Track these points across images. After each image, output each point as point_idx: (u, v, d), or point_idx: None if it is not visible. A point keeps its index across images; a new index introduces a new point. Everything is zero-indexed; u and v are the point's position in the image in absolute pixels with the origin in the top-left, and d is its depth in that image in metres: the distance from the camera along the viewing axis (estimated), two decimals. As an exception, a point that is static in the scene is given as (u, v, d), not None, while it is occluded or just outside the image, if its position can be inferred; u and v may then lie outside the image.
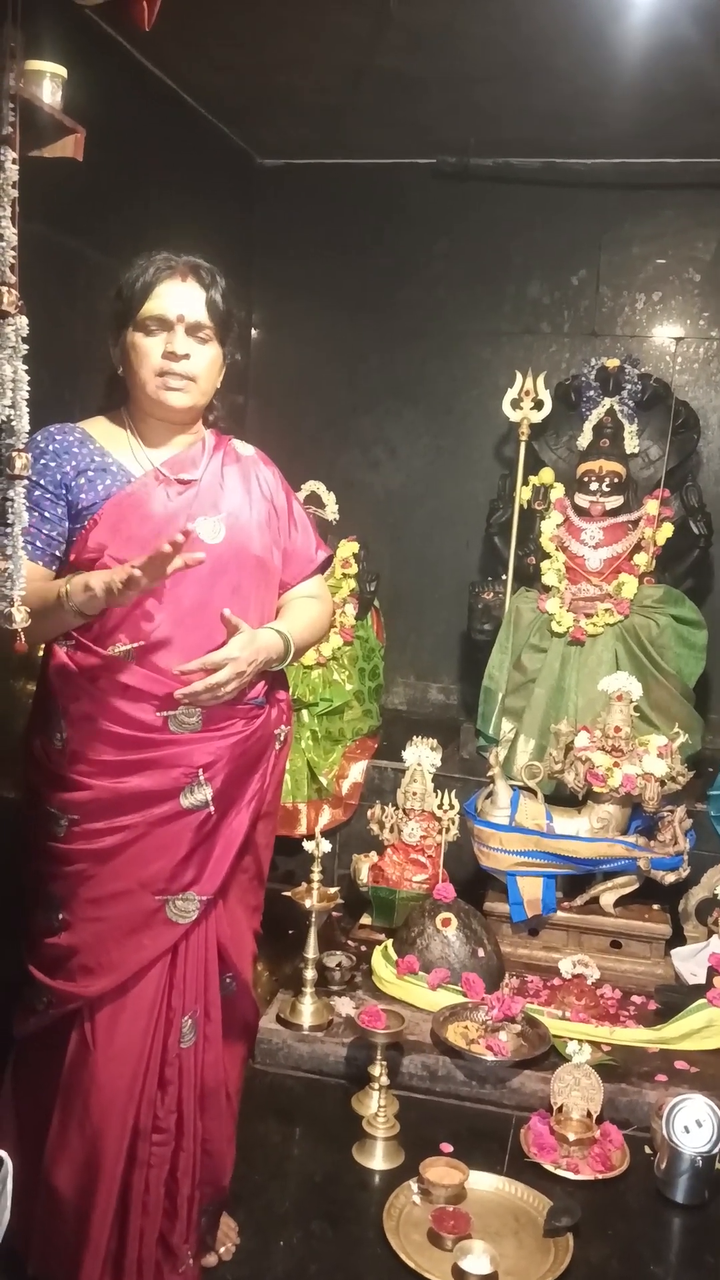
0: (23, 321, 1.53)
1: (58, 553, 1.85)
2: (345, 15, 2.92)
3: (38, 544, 1.82)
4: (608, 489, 3.77)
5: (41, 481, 1.82)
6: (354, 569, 4.00)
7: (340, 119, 3.77)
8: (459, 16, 2.90)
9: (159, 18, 1.84)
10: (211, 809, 1.84)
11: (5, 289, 1.52)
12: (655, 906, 3.29)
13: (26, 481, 1.62)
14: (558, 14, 2.85)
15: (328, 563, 2.15)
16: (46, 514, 1.83)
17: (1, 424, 1.53)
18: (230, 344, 1.96)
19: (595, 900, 3.26)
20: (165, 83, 3.47)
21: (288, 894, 2.89)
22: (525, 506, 3.85)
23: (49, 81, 2.01)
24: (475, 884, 3.38)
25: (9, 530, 1.58)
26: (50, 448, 1.85)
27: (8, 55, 1.59)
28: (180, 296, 1.86)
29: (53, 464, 1.84)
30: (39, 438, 1.85)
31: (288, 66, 3.30)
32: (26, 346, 1.53)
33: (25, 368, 1.53)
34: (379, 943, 3.17)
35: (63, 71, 2.03)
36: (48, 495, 1.83)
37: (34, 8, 1.63)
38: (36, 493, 1.82)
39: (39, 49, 1.97)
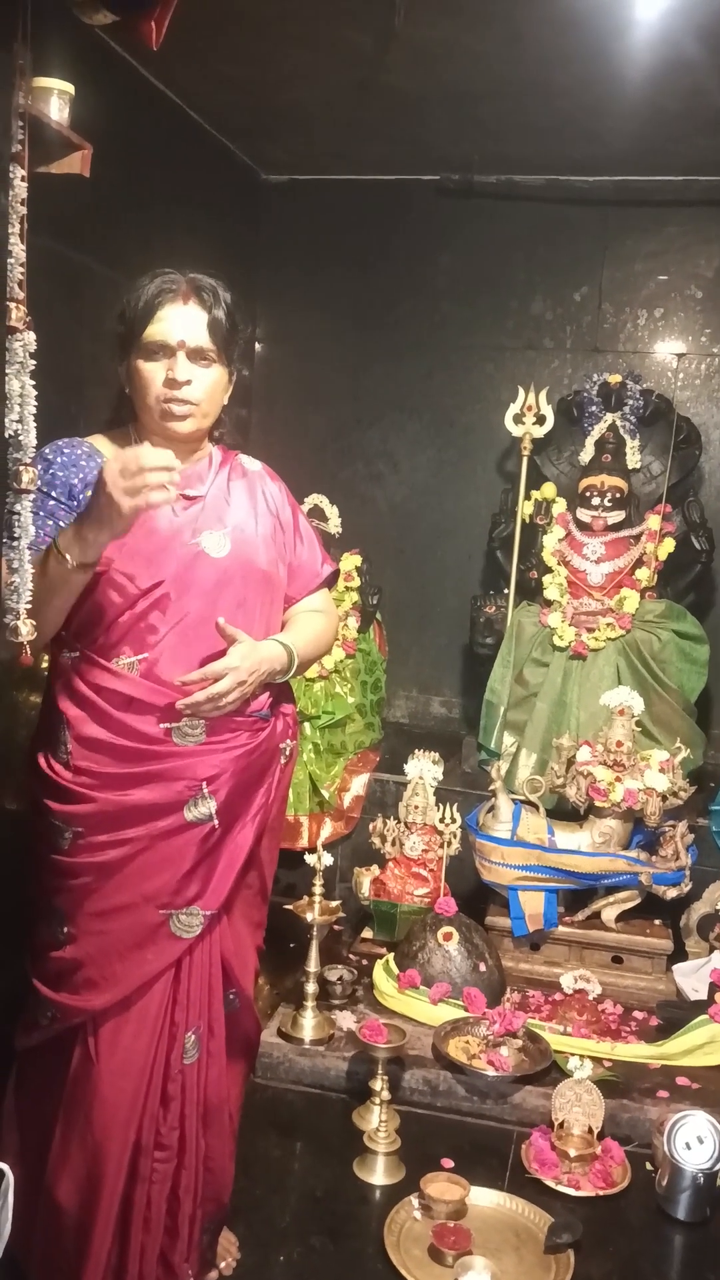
0: (31, 337, 1.54)
1: None
2: (350, 33, 2.94)
3: None
4: (609, 504, 3.78)
5: (53, 492, 1.83)
6: (356, 582, 4.00)
7: (345, 135, 3.79)
8: (463, 34, 2.92)
9: (166, 36, 1.86)
10: (215, 823, 1.84)
11: (14, 305, 1.54)
12: (657, 922, 3.28)
13: (35, 495, 1.63)
14: (561, 32, 2.87)
15: (333, 578, 2.16)
16: (62, 524, 1.82)
17: (9, 439, 1.55)
18: (236, 361, 1.95)
19: (597, 915, 3.26)
20: (172, 100, 3.49)
21: (289, 907, 2.89)
22: (527, 521, 3.86)
23: (57, 99, 2.04)
24: (477, 898, 3.38)
25: (16, 544, 1.58)
26: (58, 460, 1.86)
27: (16, 73, 1.60)
28: (181, 321, 1.84)
29: (61, 475, 1.84)
30: (47, 451, 1.86)
31: (293, 83, 3.32)
32: (34, 362, 1.54)
33: (33, 383, 1.54)
34: (380, 957, 3.17)
35: (70, 89, 2.05)
36: (61, 505, 1.83)
37: (42, 26, 1.64)
38: (50, 503, 1.82)
39: (47, 67, 2.00)
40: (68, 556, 1.69)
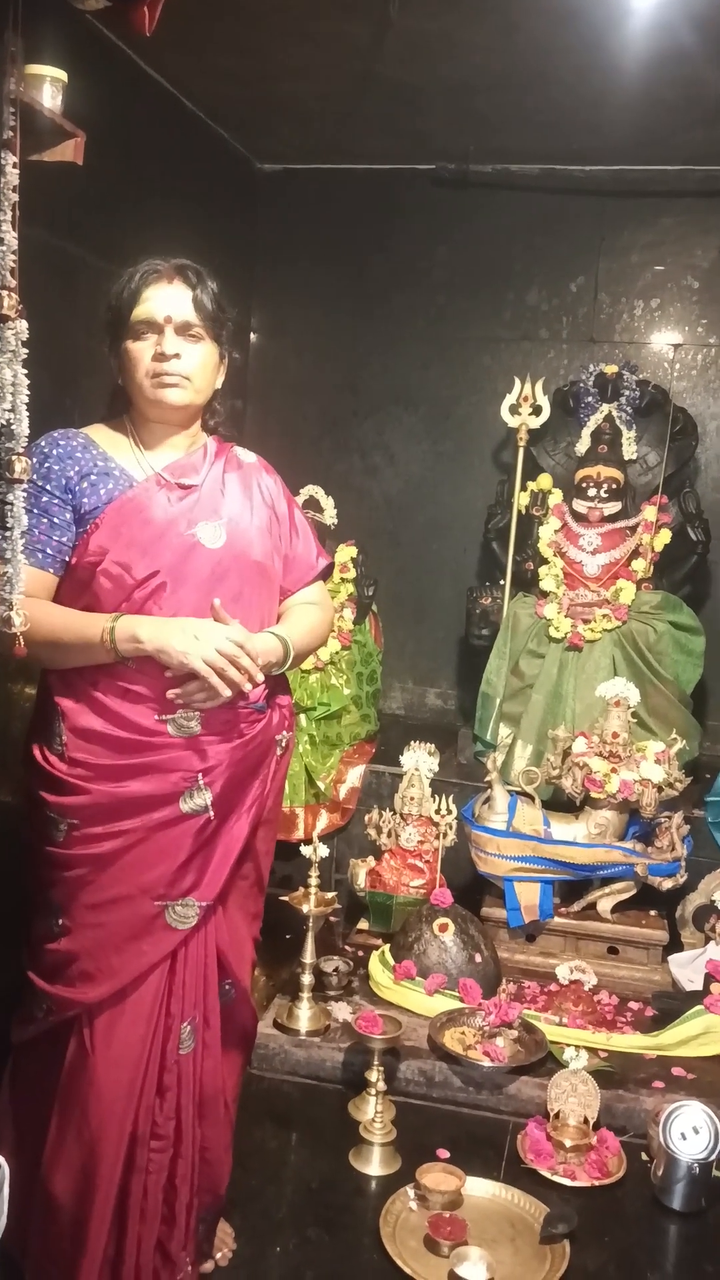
0: (23, 326, 1.53)
1: (66, 558, 1.85)
2: (346, 23, 2.93)
3: (48, 550, 1.83)
4: (606, 495, 3.78)
5: (48, 486, 1.83)
6: (352, 573, 4.00)
7: (341, 125, 3.77)
8: (459, 25, 2.90)
9: (160, 23, 1.85)
10: (211, 814, 1.84)
11: (5, 293, 1.53)
12: (652, 912, 3.28)
13: (26, 486, 1.63)
14: (556, 23, 2.86)
15: (328, 570, 2.16)
16: (55, 520, 1.83)
17: (1, 428, 1.54)
18: (225, 342, 1.96)
19: (592, 906, 3.26)
20: (166, 88, 3.48)
21: (285, 899, 2.89)
22: (523, 512, 3.85)
23: (49, 86, 2.01)
24: (472, 889, 3.38)
25: (8, 534, 1.58)
26: (54, 452, 1.86)
27: (8, 59, 1.59)
28: (166, 298, 1.87)
29: (56, 468, 1.84)
30: (42, 443, 1.86)
31: (289, 73, 3.31)
32: (26, 351, 1.53)
33: (25, 372, 1.54)
34: (376, 948, 3.17)
35: (63, 76, 2.03)
36: (55, 500, 1.83)
37: (34, 12, 1.63)
38: (44, 499, 1.82)
39: (39, 53, 1.98)
40: (115, 645, 1.75)
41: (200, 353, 1.90)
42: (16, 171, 1.54)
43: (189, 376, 1.88)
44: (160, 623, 1.78)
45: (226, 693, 1.78)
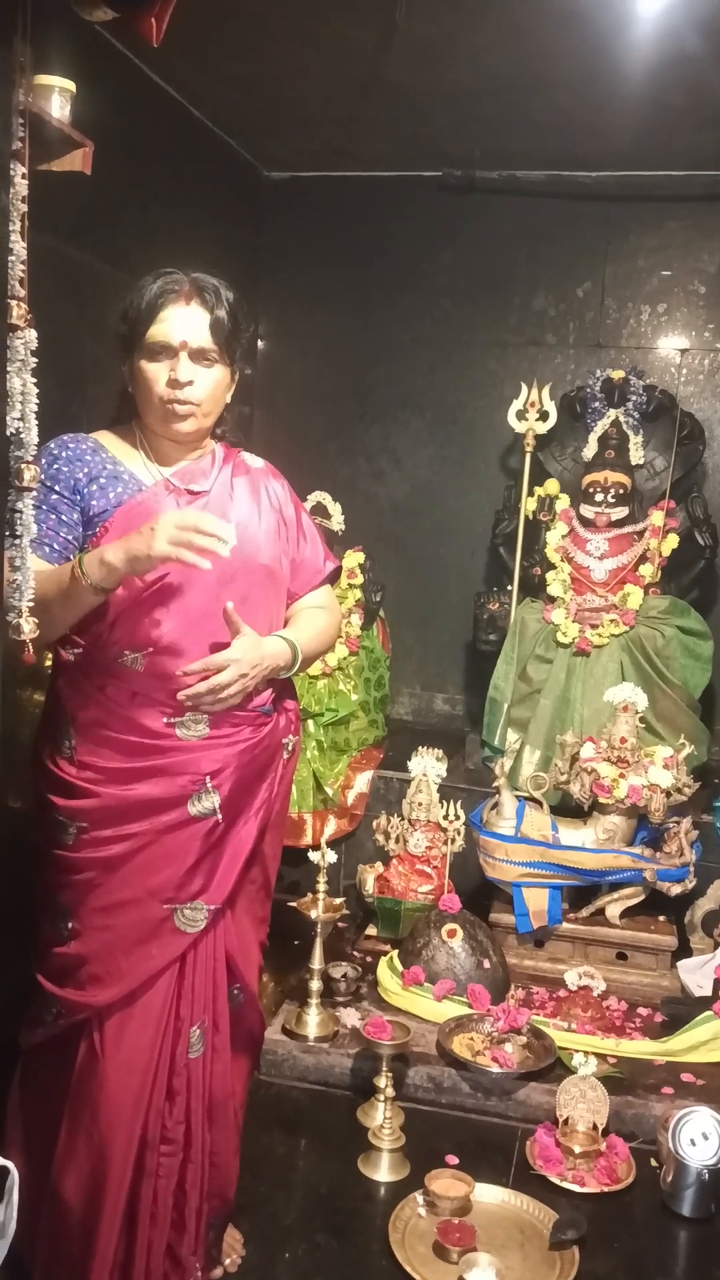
0: (32, 335, 1.54)
1: (72, 556, 1.86)
2: (352, 29, 2.93)
3: (55, 546, 1.84)
4: (613, 500, 3.77)
5: (56, 487, 1.84)
6: (359, 579, 4.00)
7: (347, 132, 3.78)
8: (464, 30, 2.91)
9: (167, 32, 1.85)
10: (219, 817, 1.85)
11: (15, 302, 1.54)
12: (661, 918, 3.28)
13: (36, 492, 1.64)
14: (563, 28, 2.86)
15: (336, 574, 2.17)
16: (63, 517, 1.84)
17: (10, 436, 1.55)
18: (239, 360, 1.96)
19: (601, 912, 3.26)
20: (173, 97, 3.49)
21: (293, 904, 2.89)
22: (530, 517, 3.85)
23: (58, 96, 2.03)
24: (481, 895, 3.38)
25: (18, 542, 1.59)
26: (63, 454, 1.87)
27: (17, 70, 1.60)
28: (183, 321, 1.85)
29: (65, 469, 1.85)
30: (52, 445, 1.87)
31: (295, 80, 3.32)
32: (35, 360, 1.54)
33: (34, 380, 1.54)
34: (384, 954, 3.17)
35: (71, 86, 2.05)
36: (64, 499, 1.84)
37: (43, 23, 1.64)
38: (53, 497, 1.83)
39: (48, 64, 1.99)
40: (86, 576, 1.72)
41: (213, 377, 1.89)
42: (25, 181, 1.54)
43: (200, 403, 1.88)
44: (122, 539, 1.74)
45: (234, 691, 1.79)
